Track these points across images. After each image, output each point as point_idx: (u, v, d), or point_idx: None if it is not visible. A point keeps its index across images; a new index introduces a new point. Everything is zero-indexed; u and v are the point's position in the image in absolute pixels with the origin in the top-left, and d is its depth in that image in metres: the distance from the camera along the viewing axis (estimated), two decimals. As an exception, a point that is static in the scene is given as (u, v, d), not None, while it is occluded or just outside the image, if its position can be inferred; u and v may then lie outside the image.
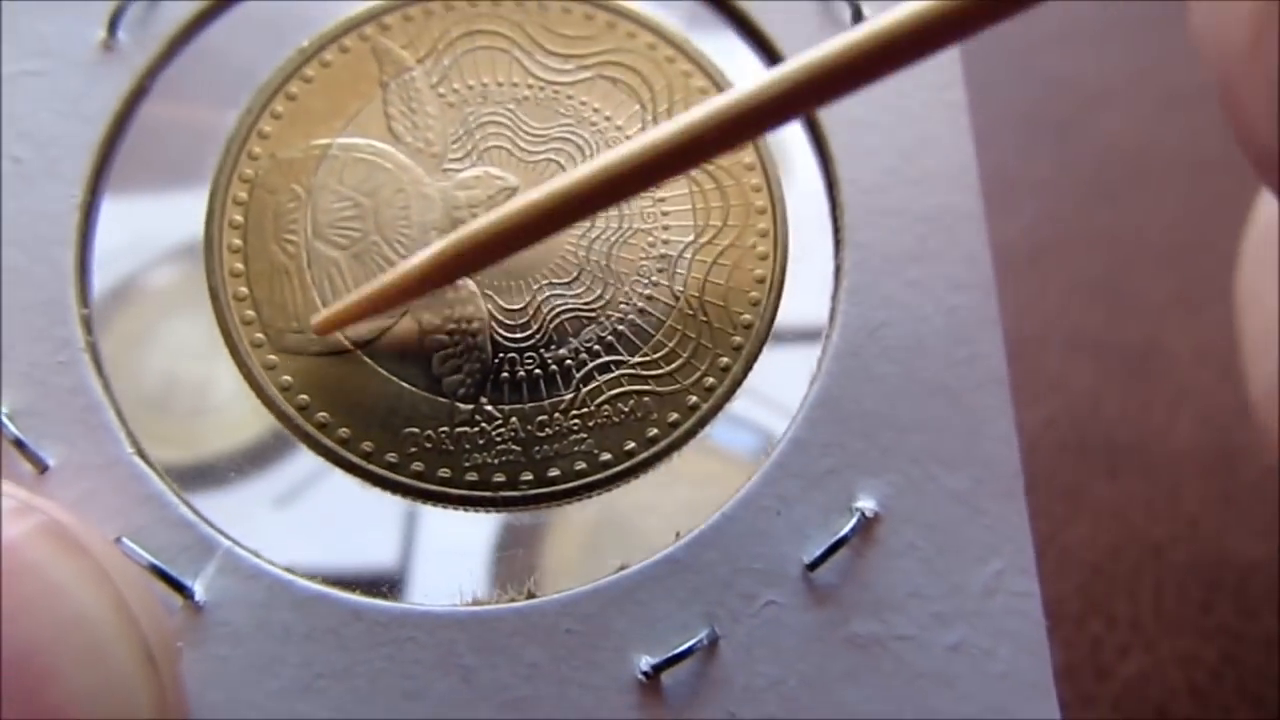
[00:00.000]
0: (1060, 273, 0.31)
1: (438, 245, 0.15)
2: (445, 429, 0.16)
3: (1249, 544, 0.27)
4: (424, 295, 0.15)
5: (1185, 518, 0.28)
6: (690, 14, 0.19)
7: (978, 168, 0.18)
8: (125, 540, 0.15)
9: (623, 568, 0.15)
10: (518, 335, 0.16)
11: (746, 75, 0.17)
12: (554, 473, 0.16)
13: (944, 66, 0.18)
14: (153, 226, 0.17)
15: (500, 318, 0.16)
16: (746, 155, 0.18)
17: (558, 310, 0.16)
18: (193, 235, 0.16)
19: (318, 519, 0.16)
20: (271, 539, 0.15)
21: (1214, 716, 0.25)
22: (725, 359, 0.16)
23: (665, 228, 0.17)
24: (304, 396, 0.16)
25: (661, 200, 0.17)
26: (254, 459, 0.16)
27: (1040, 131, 0.34)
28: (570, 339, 0.16)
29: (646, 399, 0.16)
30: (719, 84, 0.18)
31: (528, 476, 0.16)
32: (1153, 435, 0.29)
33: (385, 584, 0.15)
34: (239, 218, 0.17)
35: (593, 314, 0.16)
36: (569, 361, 0.16)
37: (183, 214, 0.17)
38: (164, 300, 0.17)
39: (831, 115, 0.18)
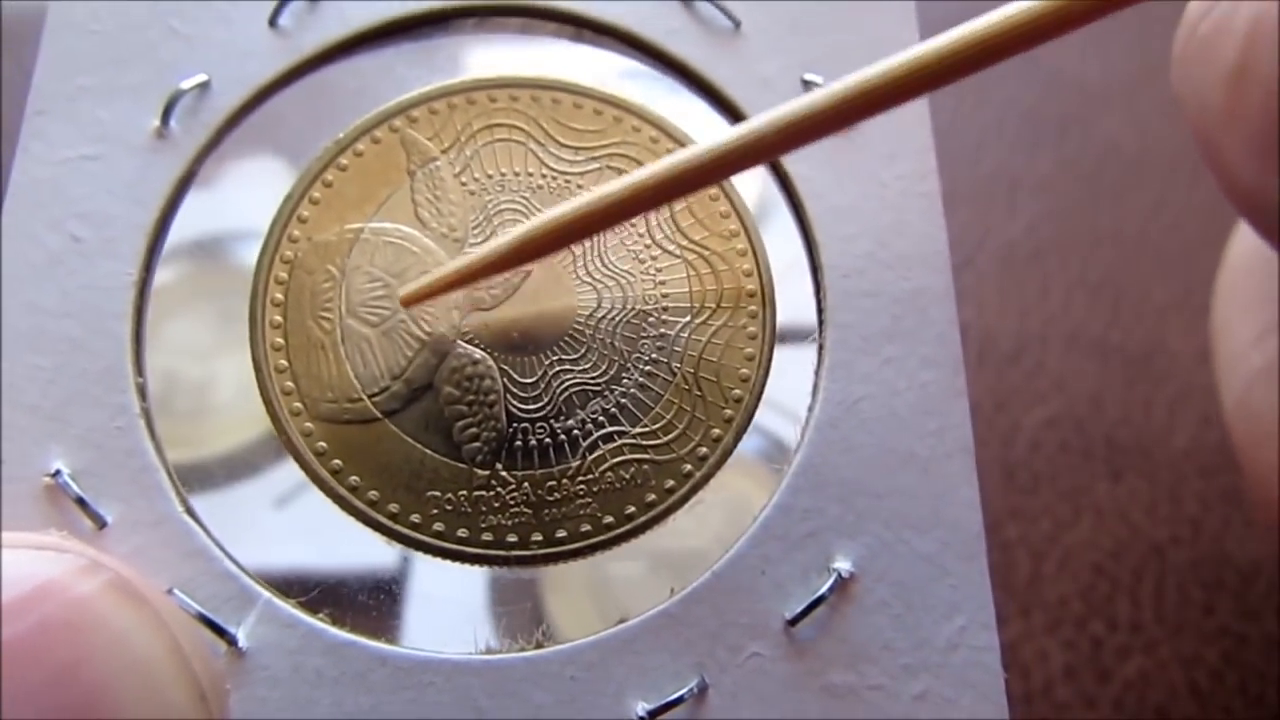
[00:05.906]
0: (1062, 273, 0.31)
1: (515, 231, 0.17)
2: (464, 492, 0.17)
3: (1250, 545, 0.28)
4: (499, 274, 0.18)
5: (1187, 518, 0.28)
6: (698, 113, 0.20)
7: (947, 237, 0.19)
8: (176, 591, 0.16)
9: (622, 620, 0.17)
10: (530, 407, 0.18)
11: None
12: (561, 534, 0.17)
13: (919, 157, 0.20)
14: (200, 303, 0.19)
15: (515, 390, 0.18)
16: (739, 242, 0.19)
17: (567, 384, 0.18)
18: (238, 312, 0.18)
19: (345, 573, 0.17)
20: (301, 589, 0.17)
21: (1215, 717, 0.26)
22: (717, 430, 0.18)
23: (665, 309, 0.19)
24: (337, 461, 0.17)
25: (662, 284, 0.19)
26: (292, 518, 0.18)
27: (1041, 131, 0.33)
28: (578, 410, 0.18)
29: (646, 467, 0.18)
30: (715, 175, 0.20)
31: (538, 537, 0.17)
32: (1154, 436, 0.29)
33: (406, 634, 0.17)
34: (280, 296, 0.18)
35: (599, 388, 0.18)
36: (576, 431, 0.18)
37: (229, 293, 0.19)
38: (210, 371, 0.19)
39: (815, 203, 0.20)
